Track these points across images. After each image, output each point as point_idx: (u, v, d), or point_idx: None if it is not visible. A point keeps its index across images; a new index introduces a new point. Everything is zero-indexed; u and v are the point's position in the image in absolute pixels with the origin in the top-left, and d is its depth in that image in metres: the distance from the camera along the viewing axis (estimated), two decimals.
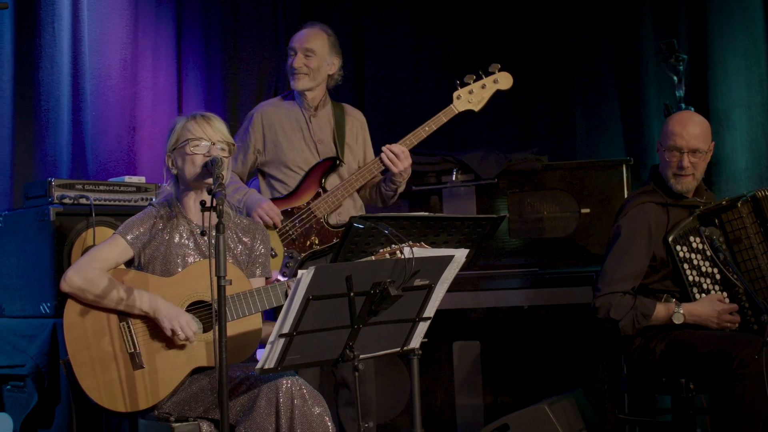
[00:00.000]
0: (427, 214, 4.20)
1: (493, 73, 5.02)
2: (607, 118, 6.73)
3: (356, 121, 5.23)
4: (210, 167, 3.77)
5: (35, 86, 5.70)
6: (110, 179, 5.22)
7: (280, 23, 6.94)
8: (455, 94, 5.00)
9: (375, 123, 7.08)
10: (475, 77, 5.01)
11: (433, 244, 4.16)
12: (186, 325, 3.80)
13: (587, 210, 5.78)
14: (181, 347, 3.84)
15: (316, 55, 5.03)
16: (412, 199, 6.02)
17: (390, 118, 6.94)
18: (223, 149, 3.95)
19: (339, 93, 6.60)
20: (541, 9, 6.92)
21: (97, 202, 4.89)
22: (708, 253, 4.63)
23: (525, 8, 6.96)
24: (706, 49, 6.42)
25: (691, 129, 4.66)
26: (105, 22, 6.01)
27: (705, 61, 6.41)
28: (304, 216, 4.90)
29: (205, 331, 3.88)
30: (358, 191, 5.08)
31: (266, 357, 3.33)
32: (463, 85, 5.00)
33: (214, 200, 3.50)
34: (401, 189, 5.08)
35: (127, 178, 5.15)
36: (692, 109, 5.43)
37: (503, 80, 5.05)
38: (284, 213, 4.89)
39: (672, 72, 5.79)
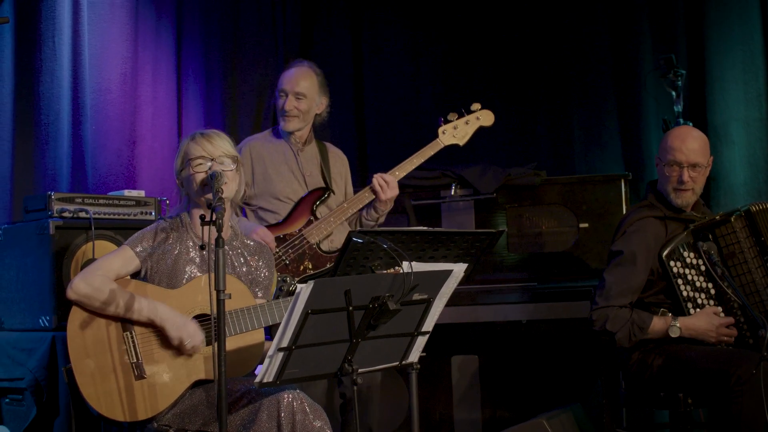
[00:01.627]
0: (425, 228, 4.21)
1: (475, 111, 5.10)
2: (606, 133, 6.75)
3: (338, 159, 5.31)
4: (210, 182, 3.78)
5: (35, 100, 5.71)
6: (110, 193, 5.23)
7: (280, 38, 6.97)
8: (440, 130, 5.10)
9: (375, 137, 7.14)
10: (457, 115, 5.11)
11: (432, 259, 4.17)
12: (194, 333, 3.81)
13: (586, 225, 5.79)
14: (183, 360, 3.84)
15: (306, 98, 5.11)
16: (408, 213, 6.04)
17: (389, 133, 6.96)
18: (226, 164, 3.96)
19: (340, 110, 6.64)
20: (540, 23, 6.95)
21: (96, 216, 4.90)
22: (702, 268, 4.64)
23: (524, 23, 6.98)
24: (704, 64, 6.44)
25: (690, 144, 4.68)
26: (105, 37, 6.02)
27: (703, 76, 6.43)
28: (296, 242, 4.93)
29: (208, 344, 3.88)
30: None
31: (265, 370, 3.34)
32: (447, 122, 5.10)
33: (214, 214, 3.52)
34: (381, 220, 5.15)
35: (127, 192, 5.17)
36: (690, 124, 5.44)
37: (485, 117, 5.16)
38: (276, 239, 4.91)
39: (670, 87, 5.80)
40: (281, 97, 5.12)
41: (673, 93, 5.79)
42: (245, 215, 5.14)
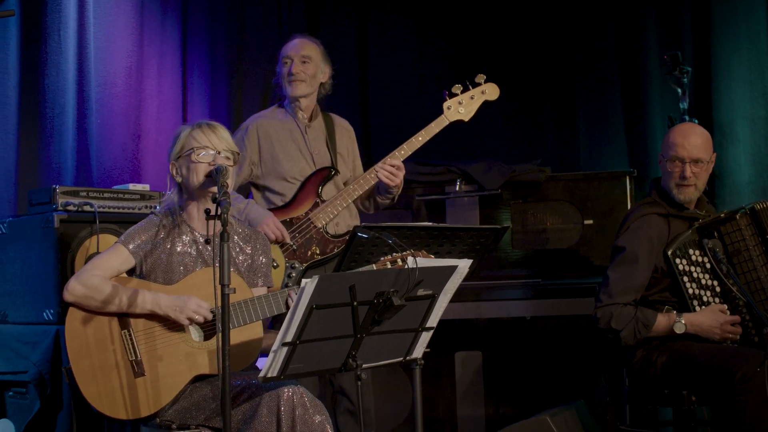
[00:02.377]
0: (430, 224, 4.21)
1: (480, 84, 5.07)
2: (611, 129, 6.73)
3: (345, 131, 5.27)
4: (215, 176, 3.76)
5: (40, 93, 5.70)
6: (114, 187, 5.23)
7: (285, 32, 6.95)
8: (445, 105, 5.05)
9: (380, 130, 7.13)
10: (462, 88, 5.06)
11: (437, 254, 4.17)
12: (198, 308, 3.79)
13: (590, 221, 5.78)
14: (184, 355, 3.83)
15: (312, 62, 5.08)
16: (416, 208, 6.03)
17: (394, 126, 6.95)
18: (228, 158, 3.94)
19: (345, 101, 6.64)
20: (545, 21, 6.94)
21: (101, 210, 4.89)
22: (708, 266, 4.64)
23: (530, 20, 6.97)
24: (710, 62, 6.43)
25: (692, 139, 4.68)
26: (110, 30, 6.02)
27: (709, 73, 6.42)
28: (303, 226, 4.91)
29: (206, 338, 3.88)
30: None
31: (269, 365, 3.34)
32: (452, 95, 5.06)
33: (219, 209, 3.51)
34: (396, 197, 5.13)
35: (132, 186, 5.16)
36: (696, 121, 5.44)
37: (490, 91, 5.11)
38: (283, 223, 4.89)
39: (676, 84, 5.79)
40: (286, 64, 5.09)
41: (679, 90, 5.78)
42: (251, 197, 5.12)
